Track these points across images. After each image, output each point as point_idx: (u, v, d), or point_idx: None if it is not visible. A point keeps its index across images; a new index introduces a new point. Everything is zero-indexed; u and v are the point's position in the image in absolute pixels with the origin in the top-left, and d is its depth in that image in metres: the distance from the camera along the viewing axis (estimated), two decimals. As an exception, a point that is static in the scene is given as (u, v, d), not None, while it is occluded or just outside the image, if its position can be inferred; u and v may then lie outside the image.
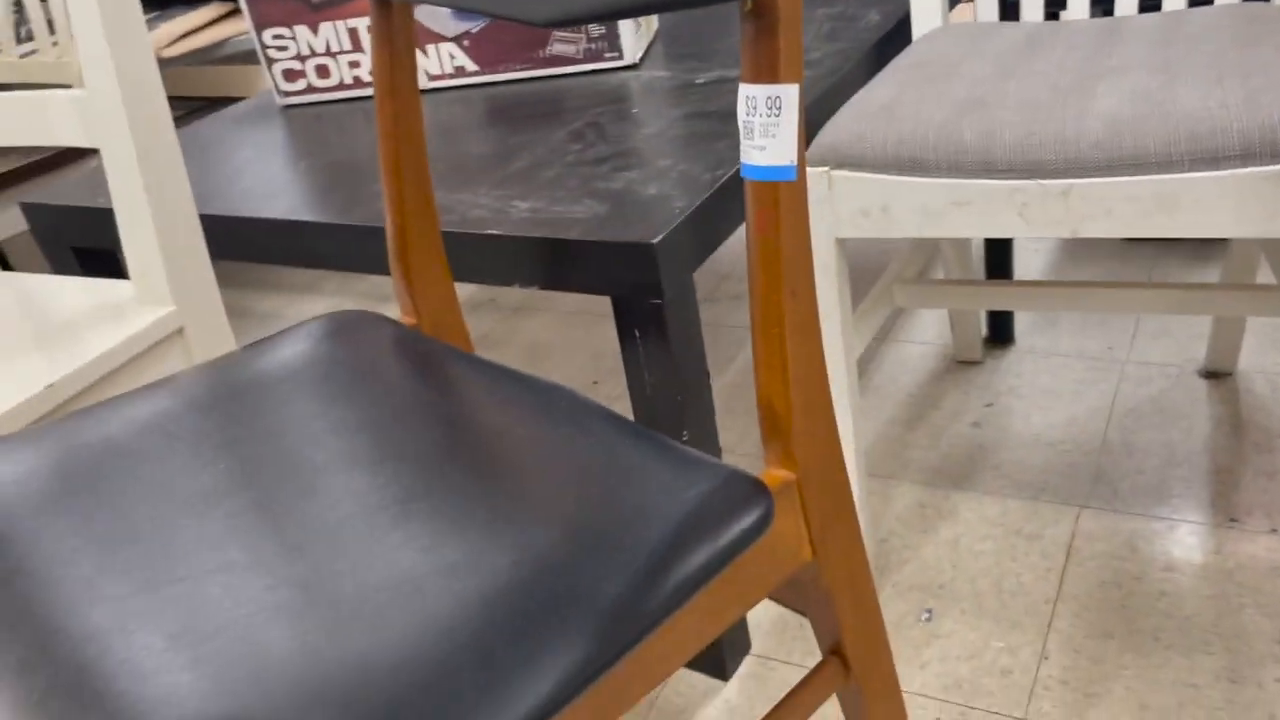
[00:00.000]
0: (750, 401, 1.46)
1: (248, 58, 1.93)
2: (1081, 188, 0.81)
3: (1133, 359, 1.40)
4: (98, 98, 0.84)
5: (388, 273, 0.98)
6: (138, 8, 0.84)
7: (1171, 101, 0.82)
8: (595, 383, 1.58)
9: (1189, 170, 0.78)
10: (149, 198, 0.86)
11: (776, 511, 0.55)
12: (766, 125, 0.50)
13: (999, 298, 1.12)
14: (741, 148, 0.52)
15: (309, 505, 0.57)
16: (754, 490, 0.55)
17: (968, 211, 0.86)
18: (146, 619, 0.50)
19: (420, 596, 0.48)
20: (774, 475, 0.57)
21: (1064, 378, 1.39)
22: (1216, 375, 1.34)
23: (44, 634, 0.51)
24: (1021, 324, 1.51)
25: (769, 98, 0.49)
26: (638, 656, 0.49)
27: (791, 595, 0.65)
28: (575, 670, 0.45)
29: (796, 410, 0.56)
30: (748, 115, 0.51)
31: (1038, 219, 0.84)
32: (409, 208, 0.78)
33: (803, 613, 0.65)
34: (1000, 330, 1.48)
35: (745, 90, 0.50)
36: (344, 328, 0.75)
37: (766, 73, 0.49)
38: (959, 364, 1.45)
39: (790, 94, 0.49)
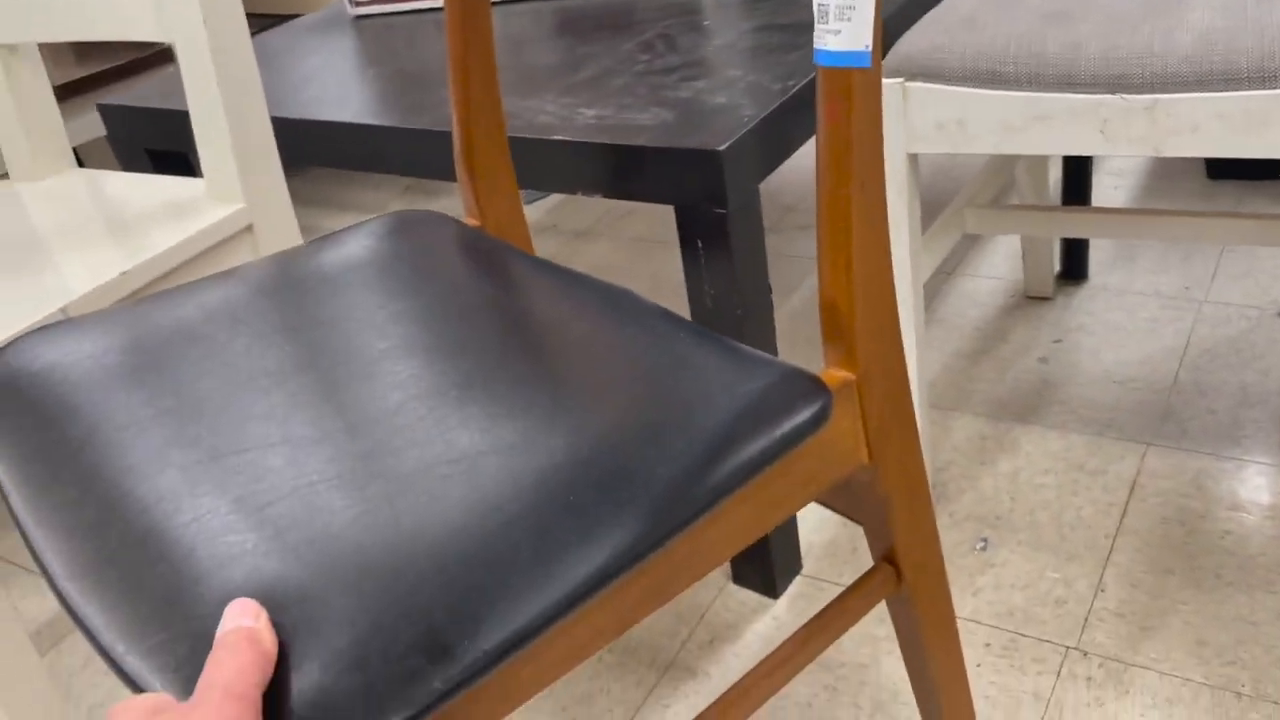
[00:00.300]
0: (812, 332, 1.45)
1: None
2: (1167, 103, 0.78)
3: (1211, 299, 1.35)
4: (173, -9, 0.85)
5: (453, 178, 0.98)
6: (213, -98, 0.84)
7: (1268, 15, 0.78)
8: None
9: (1284, 86, 0.75)
10: (222, 94, 0.86)
11: (834, 411, 0.55)
12: (842, 8, 0.49)
13: (1075, 224, 1.09)
14: (815, 32, 0.51)
15: (370, 387, 0.58)
16: (812, 387, 0.54)
17: (1047, 127, 0.83)
18: (212, 485, 0.52)
19: (477, 473, 0.49)
20: (833, 374, 0.56)
21: (1138, 316, 1.35)
22: (1299, 317, 1.29)
23: (115, 496, 0.53)
24: (1096, 260, 1.47)
25: None
26: (688, 540, 0.50)
27: (846, 502, 0.64)
28: (627, 546, 0.45)
29: (859, 308, 0.55)
30: None
31: (1120, 136, 0.81)
32: (475, 109, 0.78)
33: (857, 520, 0.64)
34: (1074, 266, 1.44)
35: None
36: (409, 225, 0.76)
37: None
38: (1029, 299, 1.42)
39: None
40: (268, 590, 0.44)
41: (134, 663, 0.43)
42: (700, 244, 0.88)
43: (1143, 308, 1.36)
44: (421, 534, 0.46)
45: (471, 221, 0.82)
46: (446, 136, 0.97)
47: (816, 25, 0.51)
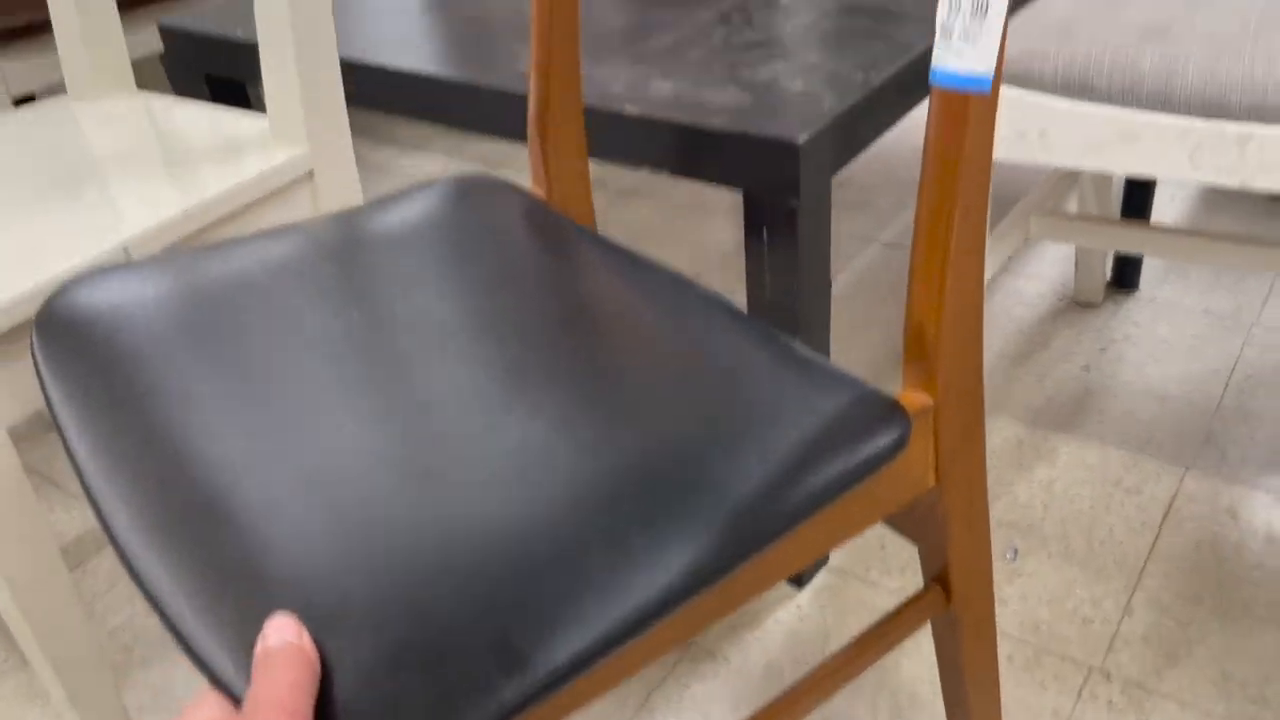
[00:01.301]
0: (855, 316, 1.44)
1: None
2: (1264, 137, 0.76)
3: (1262, 323, 1.34)
4: (253, -75, 0.83)
5: (515, 138, 0.97)
6: None
7: (1379, 53, 0.75)
8: (697, 274, 1.56)
9: (1388, 131, 0.73)
10: (294, 35, 0.85)
11: (910, 436, 0.54)
12: (969, 28, 0.47)
13: (1138, 241, 1.07)
14: (935, 50, 0.49)
15: (438, 364, 0.57)
16: (891, 412, 0.53)
17: (1134, 147, 0.81)
18: (279, 455, 0.51)
19: (549, 468, 0.48)
20: (912, 398, 0.55)
21: (1185, 332, 1.33)
22: (1351, 351, 1.27)
23: (181, 454, 0.53)
24: (1148, 272, 1.45)
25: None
26: (755, 560, 0.49)
27: (903, 520, 0.64)
28: (701, 565, 0.45)
29: (946, 334, 0.54)
30: (948, 14, 0.48)
31: (1208, 164, 0.79)
32: (555, 79, 0.76)
33: (911, 538, 0.64)
34: (1125, 275, 1.42)
35: None
36: (474, 191, 0.75)
37: None
38: (1077, 305, 1.41)
39: None
40: (335, 575, 0.43)
41: (204, 638, 0.43)
42: (766, 232, 0.86)
43: (1191, 324, 1.35)
44: (492, 528, 0.45)
45: (537, 190, 0.80)
46: (512, 98, 0.95)
47: (937, 41, 0.49)
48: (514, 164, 1.95)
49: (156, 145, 0.91)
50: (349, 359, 0.58)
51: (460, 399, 0.54)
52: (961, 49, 0.48)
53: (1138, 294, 1.41)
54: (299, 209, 0.90)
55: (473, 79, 0.98)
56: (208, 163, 0.88)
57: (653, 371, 0.56)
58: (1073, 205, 1.47)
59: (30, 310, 0.72)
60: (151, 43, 1.48)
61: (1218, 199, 1.59)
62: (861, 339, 1.38)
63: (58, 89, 1.27)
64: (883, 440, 0.52)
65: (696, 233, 1.67)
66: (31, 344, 0.63)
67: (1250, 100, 0.76)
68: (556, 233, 0.70)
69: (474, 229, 0.69)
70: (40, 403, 0.75)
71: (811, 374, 0.55)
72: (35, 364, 0.61)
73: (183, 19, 1.19)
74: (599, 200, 1.80)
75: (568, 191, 0.80)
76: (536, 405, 0.53)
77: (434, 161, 1.99)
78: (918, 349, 0.55)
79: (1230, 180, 0.79)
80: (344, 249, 0.68)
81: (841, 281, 1.52)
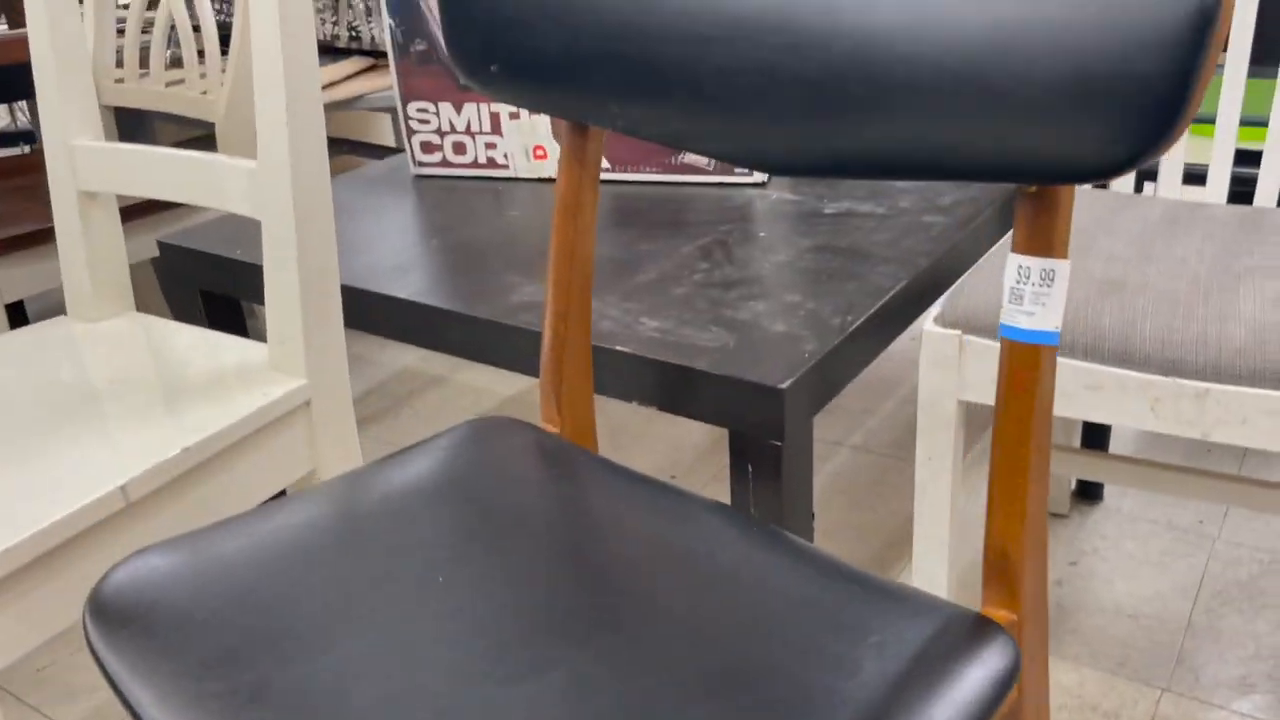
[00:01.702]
0: (829, 522, 1.46)
1: (378, 107, 1.99)
2: (1218, 393, 0.81)
3: (1224, 537, 1.37)
4: (268, 170, 0.87)
5: (511, 368, 1.00)
6: (317, 88, 0.88)
7: (1319, 318, 0.81)
8: (673, 477, 1.58)
9: (1334, 394, 0.78)
10: (300, 272, 0.89)
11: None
12: (1038, 294, 0.54)
13: (1094, 469, 1.11)
14: (1005, 311, 0.55)
15: (508, 633, 0.58)
16: (991, 633, 0.56)
17: (1099, 397, 0.85)
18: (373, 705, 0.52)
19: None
20: (1002, 616, 0.58)
21: (1151, 546, 1.36)
22: (1311, 568, 1.31)
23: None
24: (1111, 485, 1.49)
25: (1044, 269, 0.53)
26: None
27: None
28: None
29: (1028, 554, 0.57)
30: (1018, 282, 0.55)
31: (1169, 416, 0.84)
32: (571, 322, 0.80)
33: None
34: (1090, 487, 1.46)
35: (1018, 260, 0.54)
36: (489, 435, 0.77)
37: (1043, 247, 0.53)
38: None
39: (1064, 268, 0.53)
40: None
41: None
42: (751, 468, 0.89)
43: (1156, 538, 1.38)
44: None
45: (549, 426, 0.83)
46: (509, 329, 0.99)
47: (1007, 304, 0.55)
48: (492, 358, 1.99)
49: (155, 375, 0.94)
50: (411, 621, 0.58)
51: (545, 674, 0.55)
52: (1033, 310, 0.54)
53: (1103, 504, 1.45)
54: (295, 440, 0.92)
55: (470, 310, 1.02)
56: (206, 394, 0.90)
57: (729, 617, 0.58)
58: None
59: (28, 556, 0.72)
60: (140, 251, 1.53)
61: (1173, 408, 1.66)
62: (838, 546, 1.40)
63: (48, 295, 1.30)
64: (996, 671, 0.54)
65: (672, 432, 1.71)
66: (85, 629, 0.62)
67: (1204, 360, 0.81)
68: (587, 471, 0.73)
69: (503, 478, 0.72)
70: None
71: (897, 604, 0.57)
72: (91, 648, 0.61)
73: (182, 236, 1.24)
74: (576, 397, 1.83)
75: (579, 425, 0.83)
76: (599, 672, 0.54)
77: (412, 353, 2.03)
78: (1001, 569, 0.59)
79: (1190, 432, 0.83)
80: (381, 509, 0.69)
81: (815, 485, 1.55)
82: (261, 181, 0.88)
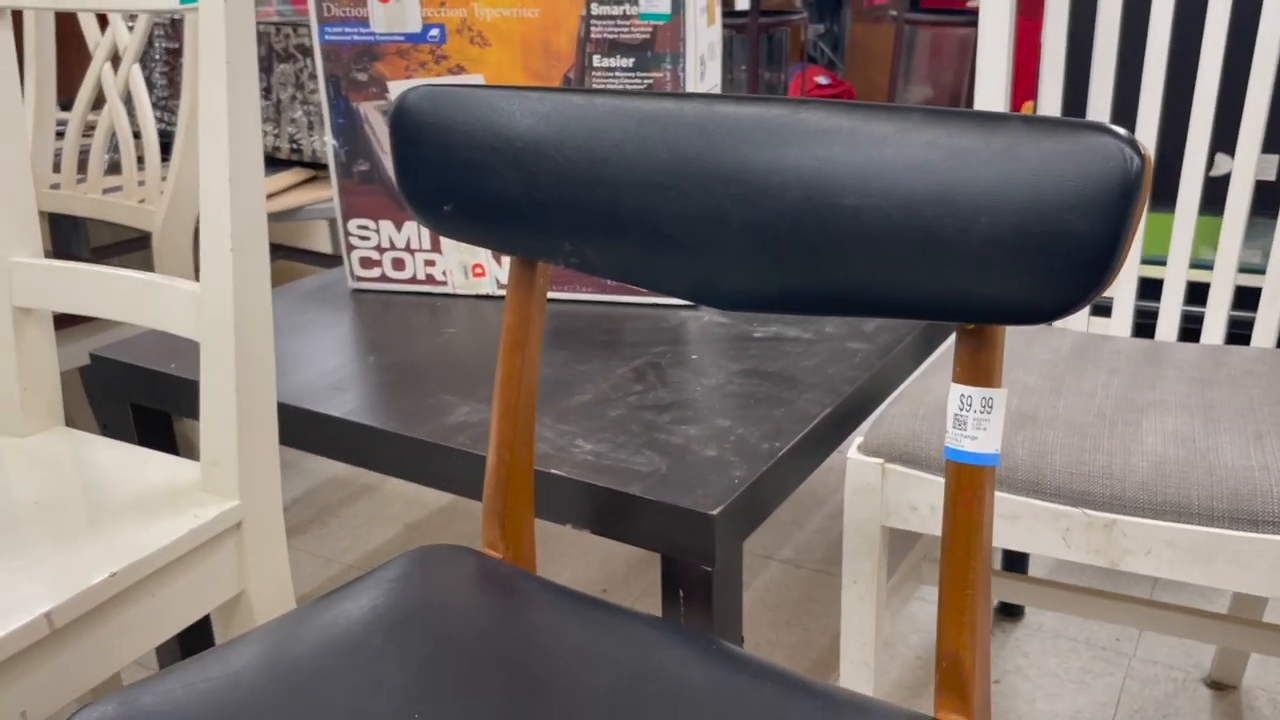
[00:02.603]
0: (760, 637, 1.47)
1: (317, 217, 2.02)
2: (1125, 524, 0.85)
3: (1139, 655, 1.41)
4: (211, 294, 0.89)
5: (447, 489, 1.01)
6: (262, 213, 0.90)
7: (1215, 452, 0.86)
8: (604, 591, 1.58)
9: (1229, 527, 0.82)
10: (237, 393, 0.89)
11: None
12: (979, 420, 0.59)
13: (1013, 592, 1.15)
14: (949, 435, 0.60)
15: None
16: None
17: (1015, 526, 0.89)
18: None
19: None
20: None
21: (1071, 664, 1.40)
22: (1221, 687, 1.35)
23: None
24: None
25: (984, 398, 0.58)
26: None
27: None
28: None
29: (979, 662, 0.60)
30: (960, 410, 0.59)
31: (1080, 545, 0.87)
32: (515, 451, 0.82)
33: None
34: (1011, 605, 1.50)
35: (960, 389, 0.59)
36: (433, 565, 0.78)
37: (983, 378, 0.58)
38: (967, 631, 1.47)
39: (1001, 396, 0.58)
40: None
41: None
42: (682, 594, 0.91)
43: (1076, 655, 1.41)
44: None
45: (492, 553, 0.84)
46: (443, 450, 1.00)
47: (951, 429, 0.60)
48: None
49: (83, 494, 0.93)
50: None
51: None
52: (976, 435, 0.59)
53: (1024, 621, 1.49)
54: (225, 561, 0.91)
55: (407, 431, 1.03)
56: (136, 516, 0.89)
57: None
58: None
59: (-59, 686, 0.70)
60: (68, 360, 1.51)
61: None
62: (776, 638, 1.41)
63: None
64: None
65: (603, 545, 1.71)
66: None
67: (1110, 493, 0.86)
68: (537, 599, 0.74)
69: (456, 607, 0.72)
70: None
71: (855, 707, 0.59)
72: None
73: (114, 349, 1.23)
74: (508, 508, 1.83)
75: (522, 549, 0.84)
76: None
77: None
78: (954, 678, 0.62)
79: (1100, 561, 0.87)
80: (336, 648, 0.67)
81: (745, 601, 1.56)
82: (204, 304, 0.89)
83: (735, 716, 0.60)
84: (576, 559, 1.66)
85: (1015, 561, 1.46)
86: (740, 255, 0.62)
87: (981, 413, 0.59)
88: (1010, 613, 1.49)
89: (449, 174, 0.69)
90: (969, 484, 0.60)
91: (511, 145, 0.65)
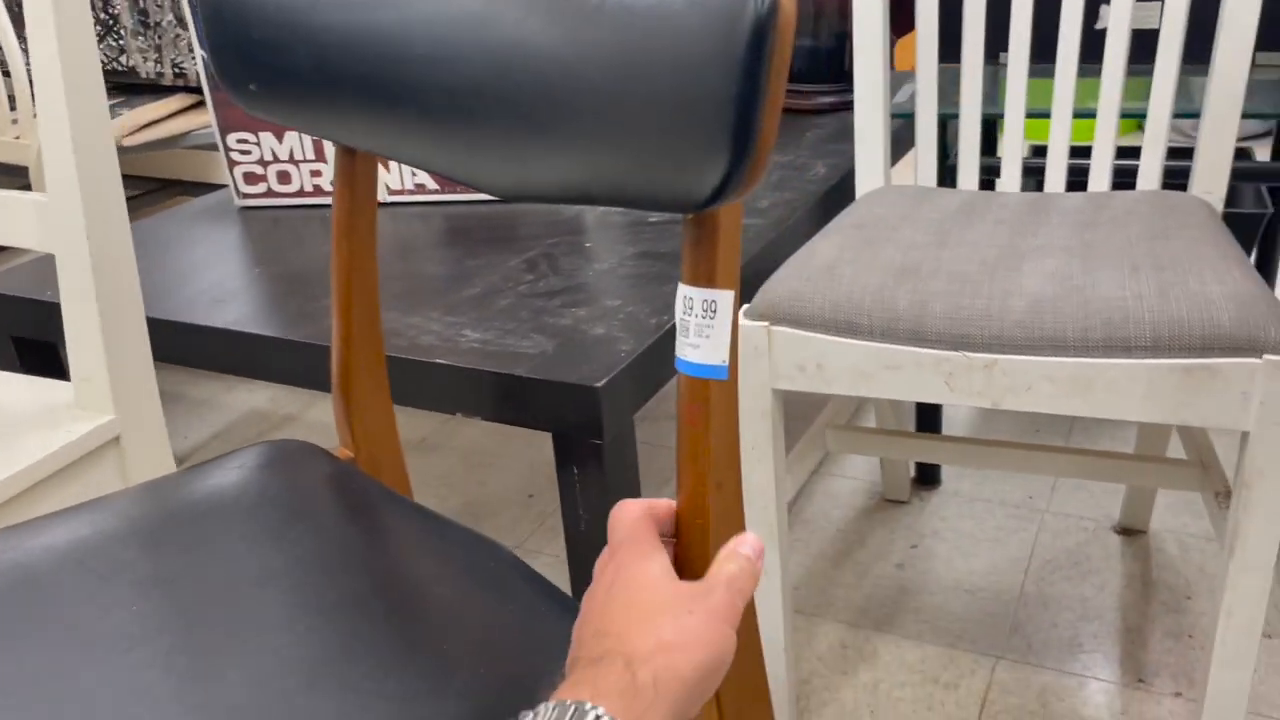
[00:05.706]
0: (682, 527, 1.48)
1: (208, 145, 1.95)
2: (1004, 363, 0.86)
3: (1052, 509, 1.45)
4: (59, 203, 0.85)
5: (328, 389, 0.99)
6: (106, 118, 0.86)
7: (1091, 287, 0.87)
8: (530, 495, 1.58)
9: (1104, 356, 0.83)
10: (99, 306, 0.86)
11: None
12: (701, 326, 0.52)
13: (925, 450, 1.16)
14: (677, 343, 0.54)
15: (221, 660, 0.57)
16: None
17: (897, 375, 0.90)
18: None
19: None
20: None
21: (986, 524, 1.43)
22: (1130, 532, 1.39)
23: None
24: (948, 467, 1.56)
25: (705, 300, 0.51)
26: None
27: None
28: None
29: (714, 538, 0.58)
30: (684, 314, 0.52)
31: (962, 389, 0.88)
32: (356, 343, 0.80)
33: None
34: (928, 472, 1.52)
35: (684, 290, 0.52)
36: (281, 460, 0.76)
37: (704, 277, 0.51)
38: (887, 502, 1.49)
39: (726, 299, 0.51)
40: None
41: None
42: (576, 470, 0.91)
43: (991, 515, 1.44)
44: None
45: (345, 453, 0.82)
46: (326, 350, 0.98)
47: (678, 337, 0.54)
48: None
49: (-47, 420, 0.90)
50: (128, 660, 0.57)
51: (240, 703, 0.54)
52: (698, 343, 0.53)
53: (941, 488, 1.51)
54: (105, 477, 0.89)
55: (281, 334, 1.01)
56: (10, 435, 0.87)
57: (446, 656, 0.57)
58: (871, 419, 1.58)
59: None
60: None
61: (1004, 394, 1.74)
62: (690, 551, 1.42)
63: None
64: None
65: (528, 451, 1.71)
66: None
67: (989, 332, 0.86)
68: (362, 503, 0.72)
69: (276, 504, 0.71)
70: None
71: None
72: None
73: (-10, 281, 1.19)
74: (432, 423, 1.82)
75: (376, 451, 0.83)
76: (318, 707, 0.54)
77: (259, 393, 1.98)
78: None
79: (982, 402, 0.88)
80: (136, 531, 0.68)
81: (668, 492, 1.57)
82: (52, 214, 0.85)
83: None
84: (502, 466, 1.66)
85: (928, 423, 1.48)
86: (494, 134, 0.55)
87: (704, 318, 0.51)
88: (927, 480, 1.52)
89: (250, 51, 0.66)
90: (695, 398, 0.53)
91: (300, 19, 0.62)
